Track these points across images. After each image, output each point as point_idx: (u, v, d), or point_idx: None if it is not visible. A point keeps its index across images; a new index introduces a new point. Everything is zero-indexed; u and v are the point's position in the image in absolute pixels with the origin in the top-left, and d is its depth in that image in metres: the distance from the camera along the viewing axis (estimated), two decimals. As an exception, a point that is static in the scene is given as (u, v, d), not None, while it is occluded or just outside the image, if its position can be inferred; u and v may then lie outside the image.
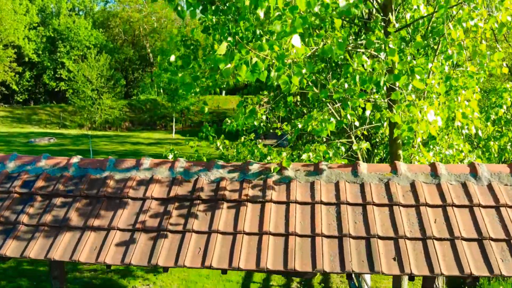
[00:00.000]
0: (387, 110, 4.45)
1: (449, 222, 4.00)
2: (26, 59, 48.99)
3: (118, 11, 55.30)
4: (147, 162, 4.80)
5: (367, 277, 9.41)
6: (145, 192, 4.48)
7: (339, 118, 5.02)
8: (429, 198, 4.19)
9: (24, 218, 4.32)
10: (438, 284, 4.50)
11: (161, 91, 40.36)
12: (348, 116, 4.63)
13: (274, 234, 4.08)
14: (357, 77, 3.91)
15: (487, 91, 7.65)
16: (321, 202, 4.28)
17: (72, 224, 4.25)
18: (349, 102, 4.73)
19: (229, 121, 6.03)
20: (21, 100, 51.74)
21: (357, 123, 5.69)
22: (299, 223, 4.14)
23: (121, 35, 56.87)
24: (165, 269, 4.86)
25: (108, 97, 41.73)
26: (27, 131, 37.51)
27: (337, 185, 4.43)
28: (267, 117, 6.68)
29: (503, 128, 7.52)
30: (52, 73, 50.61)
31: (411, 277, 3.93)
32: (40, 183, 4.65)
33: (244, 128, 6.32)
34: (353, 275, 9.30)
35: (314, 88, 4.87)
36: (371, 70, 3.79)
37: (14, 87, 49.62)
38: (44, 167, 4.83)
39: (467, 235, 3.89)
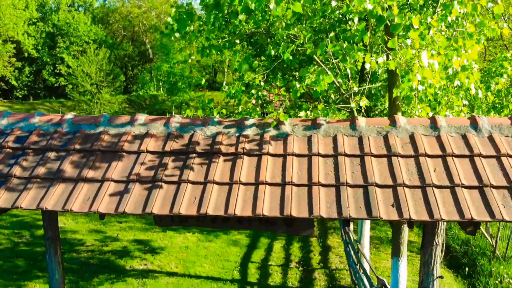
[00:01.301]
0: (385, 59, 4.37)
1: (449, 171, 3.92)
2: (26, 54, 48.88)
3: (117, 7, 55.18)
4: (142, 117, 4.73)
5: (367, 253, 9.35)
6: (140, 146, 4.41)
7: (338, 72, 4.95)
8: (428, 149, 4.12)
9: (16, 171, 4.24)
10: (436, 262, 4.44)
11: (160, 84, 40.33)
12: (348, 70, 4.55)
13: (270, 184, 4.00)
14: (356, 19, 3.82)
15: (487, 71, 7.56)
16: (319, 154, 4.20)
17: (66, 176, 4.17)
18: (347, 57, 4.65)
19: (226, 86, 5.96)
20: (20, 96, 51.67)
21: (356, 89, 5.61)
22: (296, 174, 4.06)
23: (121, 31, 56.75)
24: (161, 223, 4.79)
25: (107, 91, 41.63)
26: (26, 125, 37.35)
27: (335, 138, 4.36)
28: (264, 88, 6.58)
29: (504, 100, 7.45)
30: (52, 68, 50.49)
31: (410, 224, 3.86)
32: (33, 138, 4.57)
33: (242, 97, 6.24)
34: (352, 253, 9.21)
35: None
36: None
37: (14, 82, 49.56)
38: (38, 124, 4.75)
39: (468, 182, 3.81)
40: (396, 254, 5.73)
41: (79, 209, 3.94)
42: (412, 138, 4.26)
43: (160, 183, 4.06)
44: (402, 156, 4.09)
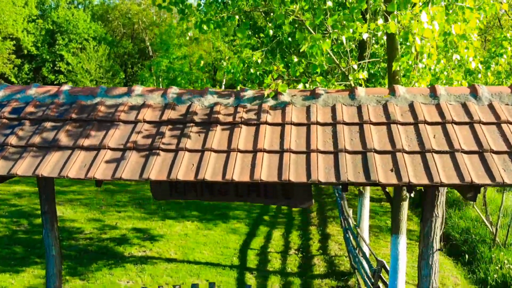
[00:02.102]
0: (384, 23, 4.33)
1: (448, 137, 3.88)
2: (25, 51, 48.81)
3: (117, 4, 55.10)
4: (139, 89, 4.70)
5: (366, 237, 9.31)
6: (137, 116, 4.37)
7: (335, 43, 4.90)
8: (428, 117, 4.08)
9: (12, 140, 4.20)
10: (436, 234, 4.42)
11: (160, 80, 40.36)
12: (344, 39, 4.50)
13: (268, 152, 3.97)
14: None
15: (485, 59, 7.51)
16: (317, 123, 4.17)
17: (62, 144, 4.14)
18: (346, 29, 4.62)
19: (225, 63, 5.92)
20: (20, 93, 51.40)
21: (355, 66, 5.58)
22: (294, 142, 4.02)
23: (120, 28, 56.68)
24: (158, 196, 4.76)
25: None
26: (25, 121, 37.34)
27: (333, 108, 4.32)
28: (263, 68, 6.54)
29: (504, 82, 7.42)
30: (51, 66, 50.41)
31: (410, 189, 3.82)
32: (29, 109, 4.53)
33: (240, 78, 6.20)
34: (351, 238, 9.17)
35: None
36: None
37: (13, 79, 49.54)
38: (34, 95, 4.72)
39: (468, 148, 3.78)
40: (395, 231, 5.69)
41: (75, 175, 3.90)
42: (411, 106, 4.22)
43: (157, 151, 4.02)
44: (401, 124, 4.06)
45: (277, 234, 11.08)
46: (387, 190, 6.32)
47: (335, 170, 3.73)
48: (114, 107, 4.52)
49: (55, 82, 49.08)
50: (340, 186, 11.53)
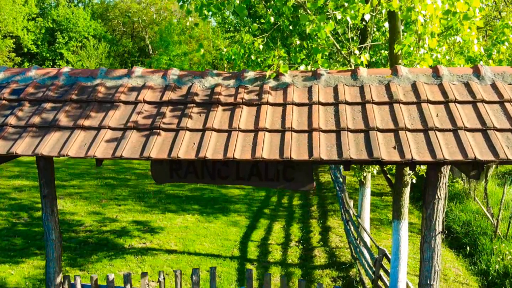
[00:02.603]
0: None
1: (451, 116, 3.85)
2: (25, 50, 48.80)
3: (117, 2, 55.08)
4: (139, 70, 4.67)
5: (367, 226, 9.29)
6: (137, 97, 4.35)
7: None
8: (430, 96, 4.05)
9: (11, 120, 4.18)
10: (439, 217, 4.39)
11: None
12: (348, 19, 4.47)
13: (270, 131, 3.94)
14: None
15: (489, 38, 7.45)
16: (319, 103, 4.14)
17: (61, 125, 4.11)
18: (348, 10, 4.59)
19: (225, 49, 5.89)
20: (19, 91, 51.40)
21: (357, 52, 5.55)
22: (296, 121, 4.00)
23: (120, 27, 56.66)
24: (159, 179, 4.72)
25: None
26: (25, 119, 37.32)
27: (335, 88, 4.29)
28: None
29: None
30: (51, 64, 50.39)
31: (413, 166, 3.78)
32: (29, 90, 4.51)
33: (241, 65, 6.16)
34: (352, 229, 9.13)
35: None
36: None
37: (13, 78, 49.33)
38: (34, 77, 4.69)
39: (471, 126, 3.75)
40: (397, 217, 5.66)
41: (75, 154, 3.87)
42: (414, 86, 4.19)
43: (158, 131, 3.99)
44: (404, 103, 4.03)
45: (278, 226, 11.05)
46: (388, 176, 6.30)
47: (337, 148, 3.71)
48: (114, 88, 4.49)
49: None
50: (341, 179, 11.42)
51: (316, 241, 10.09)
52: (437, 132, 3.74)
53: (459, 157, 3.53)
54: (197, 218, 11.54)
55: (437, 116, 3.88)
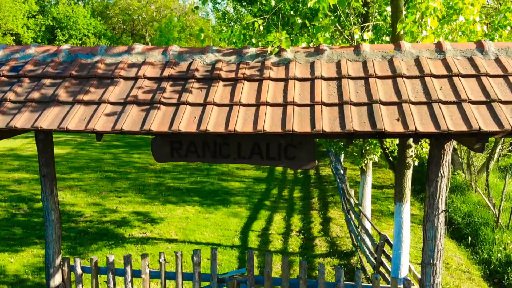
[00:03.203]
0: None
1: (455, 89, 3.81)
2: (25, 47, 48.69)
3: (117, 0, 55.00)
4: (139, 47, 4.62)
5: (368, 213, 9.24)
6: (137, 72, 4.31)
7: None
8: (434, 70, 4.01)
9: (10, 96, 4.14)
10: (442, 195, 4.36)
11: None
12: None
13: (271, 105, 3.90)
14: None
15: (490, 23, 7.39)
16: (321, 78, 4.09)
17: (61, 99, 4.07)
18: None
19: (225, 28, 5.83)
20: (19, 89, 51.37)
21: (359, 33, 5.50)
22: (298, 95, 3.95)
23: (120, 24, 56.60)
24: (159, 158, 4.68)
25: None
26: (25, 116, 37.28)
27: (338, 63, 4.25)
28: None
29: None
30: (51, 61, 50.24)
31: (416, 139, 3.74)
32: (28, 67, 4.46)
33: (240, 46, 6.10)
34: (353, 217, 9.07)
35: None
36: None
37: (13, 75, 49.28)
38: (33, 54, 4.65)
39: (475, 98, 3.71)
40: (399, 199, 5.61)
41: (75, 127, 3.83)
42: (417, 61, 4.15)
43: (158, 105, 3.95)
44: (407, 77, 3.99)
45: (278, 217, 11.01)
46: (390, 159, 6.26)
47: (340, 121, 3.66)
48: (114, 65, 4.45)
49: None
50: (342, 171, 11.36)
51: (317, 231, 10.05)
52: (441, 104, 3.69)
53: (463, 128, 3.48)
54: (197, 209, 11.50)
55: (440, 89, 3.84)
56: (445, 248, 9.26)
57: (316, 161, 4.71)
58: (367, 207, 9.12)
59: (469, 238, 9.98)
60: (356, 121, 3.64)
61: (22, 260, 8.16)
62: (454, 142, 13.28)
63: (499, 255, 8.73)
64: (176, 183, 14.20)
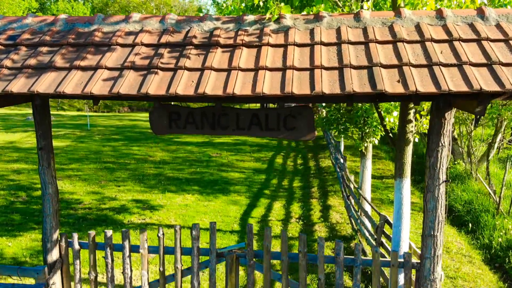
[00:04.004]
0: None
1: (456, 52, 3.77)
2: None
3: (116, -3, 55.00)
4: (136, 15, 4.58)
5: (368, 195, 9.20)
6: (135, 39, 4.27)
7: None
8: (434, 35, 3.97)
9: (7, 62, 4.10)
10: (443, 165, 4.31)
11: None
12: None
13: (271, 69, 3.86)
14: None
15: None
16: (321, 43, 4.05)
17: (58, 65, 4.03)
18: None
19: (224, 5, 5.80)
20: (19, 86, 51.42)
21: (360, 4, 5.46)
22: (298, 60, 3.92)
23: (120, 22, 56.47)
24: (157, 130, 4.64)
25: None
26: (24, 112, 37.27)
27: (338, 30, 4.21)
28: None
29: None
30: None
31: (417, 101, 3.70)
32: (25, 36, 4.42)
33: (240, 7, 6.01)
34: (353, 202, 9.02)
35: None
36: None
37: (12, 72, 49.28)
38: (30, 24, 4.61)
39: (476, 60, 3.67)
40: (399, 175, 5.57)
41: (71, 91, 3.79)
42: (417, 27, 4.10)
43: (155, 70, 3.91)
44: (408, 42, 3.95)
45: (278, 205, 10.97)
46: (390, 135, 6.22)
47: (340, 83, 3.62)
48: (111, 33, 4.41)
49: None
50: (341, 160, 11.32)
51: (316, 217, 10.01)
52: (441, 67, 3.65)
53: (464, 88, 3.44)
54: (197, 197, 11.47)
55: (441, 53, 3.80)
56: (446, 234, 9.22)
57: (316, 132, 4.67)
58: (367, 190, 9.08)
59: (470, 225, 9.94)
60: (356, 83, 3.59)
61: (20, 244, 8.12)
62: (454, 126, 13.15)
63: (500, 239, 8.69)
64: (175, 174, 14.16)
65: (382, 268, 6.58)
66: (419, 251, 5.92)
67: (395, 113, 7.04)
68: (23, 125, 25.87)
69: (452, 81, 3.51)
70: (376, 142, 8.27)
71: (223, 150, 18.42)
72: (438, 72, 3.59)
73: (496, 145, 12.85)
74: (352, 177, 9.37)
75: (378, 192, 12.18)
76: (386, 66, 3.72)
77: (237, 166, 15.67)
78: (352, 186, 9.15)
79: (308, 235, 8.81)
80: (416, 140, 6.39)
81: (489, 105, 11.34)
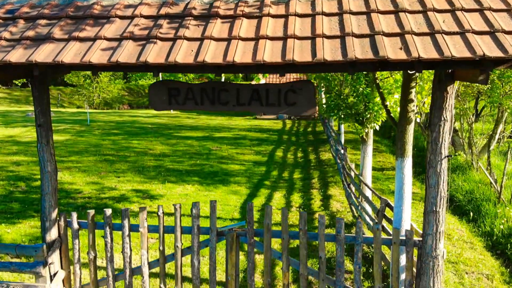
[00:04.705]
0: None
1: (458, 21, 3.74)
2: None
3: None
4: (136, -11, 4.53)
5: (369, 181, 9.16)
6: (134, 11, 4.24)
7: None
8: (437, 5, 3.94)
9: (5, 35, 4.08)
10: (445, 140, 4.27)
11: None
12: None
13: (271, 38, 3.83)
14: None
15: None
16: (323, 13, 4.02)
17: (56, 37, 4.00)
18: None
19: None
20: (19, 84, 51.47)
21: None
22: (299, 29, 3.88)
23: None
24: (156, 105, 4.60)
25: (106, 75, 41.43)
26: (24, 109, 37.21)
27: (339, 0, 4.17)
28: None
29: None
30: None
31: (419, 68, 3.65)
32: (24, 9, 4.40)
33: None
34: (353, 189, 8.98)
35: None
36: None
37: (12, 70, 49.12)
38: (29, -2, 4.56)
39: (478, 29, 3.63)
40: (400, 154, 5.53)
41: (70, 60, 3.76)
42: (419, -2, 4.07)
43: (155, 40, 3.88)
44: (410, 12, 3.91)
45: (279, 195, 10.94)
46: (391, 115, 6.18)
47: (342, 50, 3.59)
48: (110, 6, 4.38)
49: (55, 73, 49.02)
50: (342, 150, 11.23)
51: (317, 206, 9.97)
52: (444, 35, 3.62)
53: (467, 54, 3.41)
54: (197, 187, 11.43)
55: (443, 22, 3.76)
56: (446, 222, 9.18)
57: (317, 107, 4.63)
58: (368, 176, 9.03)
59: (471, 213, 9.90)
60: (359, 50, 3.56)
61: (19, 231, 8.08)
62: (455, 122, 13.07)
63: (502, 227, 8.65)
64: (175, 166, 14.12)
65: (383, 253, 6.54)
66: (420, 231, 5.88)
67: (396, 96, 7.00)
68: (23, 120, 25.83)
69: (455, 48, 3.48)
70: (377, 127, 8.23)
71: (223, 144, 18.38)
72: (441, 40, 3.56)
73: (497, 136, 12.81)
74: (353, 165, 9.33)
75: (378, 183, 12.14)
76: (388, 35, 3.69)
77: (237, 158, 15.64)
78: (352, 173, 9.11)
79: (309, 223, 8.77)
80: (419, 120, 6.34)
81: (489, 98, 11.29)
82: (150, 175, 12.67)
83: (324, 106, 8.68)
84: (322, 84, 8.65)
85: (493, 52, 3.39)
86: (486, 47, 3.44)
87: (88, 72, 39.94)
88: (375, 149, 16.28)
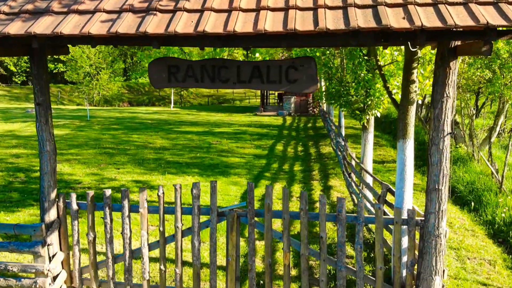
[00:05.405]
0: None
1: (462, -7, 3.69)
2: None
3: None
4: (136, -35, 4.48)
5: (369, 167, 9.10)
6: (134, -14, 4.18)
7: None
8: (440, -23, 3.88)
9: (4, 8, 4.05)
10: (447, 117, 4.24)
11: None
12: None
13: (272, 9, 3.80)
14: None
15: None
16: (324, -13, 3.96)
17: (55, 10, 3.96)
18: None
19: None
20: (19, 82, 51.51)
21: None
22: (300, 1, 3.83)
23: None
24: (156, 83, 4.56)
25: (106, 72, 41.39)
26: (24, 106, 37.19)
27: (340, -24, 4.12)
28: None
29: None
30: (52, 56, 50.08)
31: (422, 38, 3.61)
32: (22, -15, 4.33)
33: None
34: (354, 178, 8.94)
35: None
36: None
37: (12, 68, 49.45)
38: (28, -25, 4.51)
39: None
40: (402, 136, 5.49)
41: (69, 32, 3.72)
42: (422, -29, 4.03)
43: (154, 12, 3.84)
44: (412, -16, 3.86)
45: (279, 186, 10.90)
46: (393, 97, 6.14)
47: (345, 20, 3.55)
48: (111, -19, 4.32)
49: (54, 71, 48.98)
50: (342, 142, 11.18)
51: (317, 197, 9.92)
52: (447, 5, 3.58)
53: (470, 23, 3.37)
54: (197, 179, 11.38)
55: (447, -7, 3.72)
56: (448, 211, 9.14)
57: (318, 85, 4.59)
58: (368, 163, 8.99)
59: (472, 203, 9.85)
60: (361, 19, 3.52)
61: (18, 219, 8.04)
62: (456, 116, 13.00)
63: (503, 215, 8.61)
64: (175, 158, 14.08)
65: (384, 238, 6.50)
66: (422, 213, 5.84)
67: (397, 83, 6.96)
68: (23, 116, 25.81)
69: (458, 18, 3.44)
70: (379, 114, 8.19)
71: (223, 138, 18.34)
72: (444, 10, 3.52)
73: (498, 128, 12.78)
74: (353, 154, 9.29)
75: (379, 175, 12.10)
76: (391, 5, 3.65)
77: (237, 152, 15.60)
78: (353, 162, 9.06)
79: (309, 211, 8.72)
80: (420, 102, 6.30)
81: (490, 86, 11.25)
82: (150, 167, 12.63)
83: (324, 93, 8.63)
84: (323, 71, 8.61)
85: (497, 21, 3.35)
86: (489, 16, 3.40)
87: (88, 69, 39.94)
88: (376, 143, 16.24)
